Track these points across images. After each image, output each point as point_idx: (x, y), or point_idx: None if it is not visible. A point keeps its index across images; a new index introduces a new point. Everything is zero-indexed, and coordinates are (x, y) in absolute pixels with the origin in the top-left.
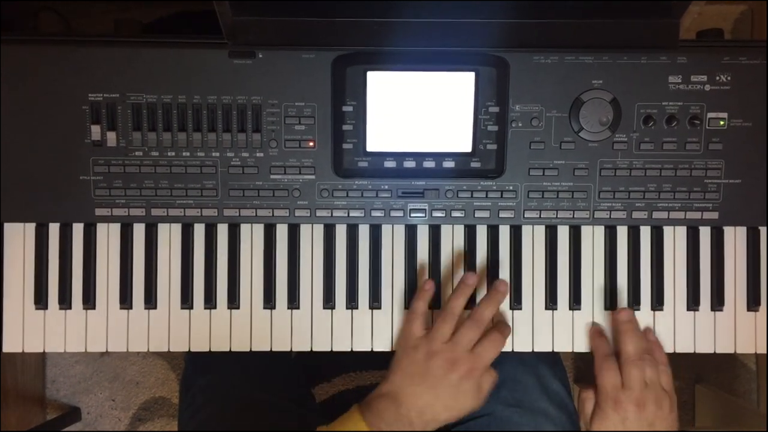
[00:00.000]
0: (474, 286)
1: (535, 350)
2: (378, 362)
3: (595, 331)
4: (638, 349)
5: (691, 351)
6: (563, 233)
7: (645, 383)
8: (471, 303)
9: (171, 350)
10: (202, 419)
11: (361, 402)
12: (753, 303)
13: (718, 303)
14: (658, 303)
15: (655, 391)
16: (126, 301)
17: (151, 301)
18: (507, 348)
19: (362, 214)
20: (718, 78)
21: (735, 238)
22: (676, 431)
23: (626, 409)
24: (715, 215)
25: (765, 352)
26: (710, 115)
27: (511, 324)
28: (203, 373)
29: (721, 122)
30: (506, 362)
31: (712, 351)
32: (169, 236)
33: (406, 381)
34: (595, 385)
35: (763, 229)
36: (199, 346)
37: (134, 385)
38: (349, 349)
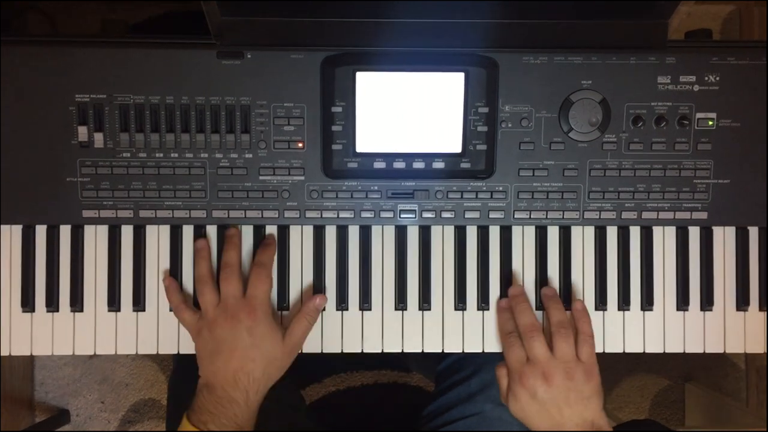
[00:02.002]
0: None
1: None
2: (368, 363)
3: (501, 307)
4: (528, 322)
5: (681, 351)
6: (553, 234)
7: (551, 356)
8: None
9: (160, 352)
10: None
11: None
12: (742, 303)
13: (707, 303)
14: (647, 303)
15: (564, 363)
16: (114, 304)
17: (139, 304)
18: (497, 349)
19: (352, 215)
20: (706, 78)
21: (724, 238)
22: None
23: (533, 383)
24: (704, 215)
25: (761, 351)
26: (699, 115)
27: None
28: (190, 376)
29: (710, 122)
30: (494, 362)
31: (701, 351)
32: (158, 238)
33: (207, 362)
34: None
35: (752, 230)
36: (188, 348)
37: (123, 386)
38: (340, 351)
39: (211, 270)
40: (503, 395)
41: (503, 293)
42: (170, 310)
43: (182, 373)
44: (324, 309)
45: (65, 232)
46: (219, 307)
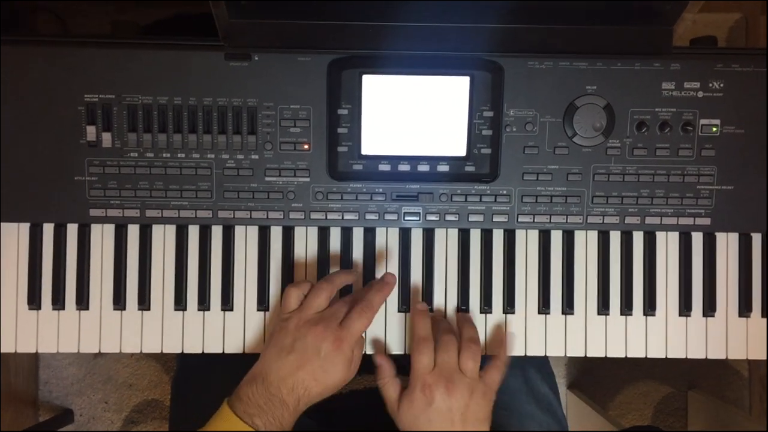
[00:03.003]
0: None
1: (528, 354)
2: (371, 366)
3: (420, 310)
4: (447, 329)
5: (683, 356)
6: (556, 238)
7: (457, 368)
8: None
9: (164, 351)
10: (194, 421)
11: (231, 394)
12: (744, 309)
13: (710, 309)
14: (650, 308)
15: (468, 378)
16: (119, 302)
17: (144, 303)
18: (491, 352)
19: (356, 217)
20: (711, 85)
21: (727, 244)
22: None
23: (433, 391)
24: (707, 221)
25: (763, 358)
26: (703, 121)
27: (504, 328)
28: (193, 377)
29: (714, 129)
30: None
31: (703, 357)
32: (164, 237)
33: (276, 357)
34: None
35: (755, 236)
36: (193, 347)
37: (127, 387)
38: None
39: (336, 288)
40: (393, 402)
41: (506, 296)
42: (175, 309)
43: (185, 374)
44: None
45: (72, 230)
46: (319, 314)
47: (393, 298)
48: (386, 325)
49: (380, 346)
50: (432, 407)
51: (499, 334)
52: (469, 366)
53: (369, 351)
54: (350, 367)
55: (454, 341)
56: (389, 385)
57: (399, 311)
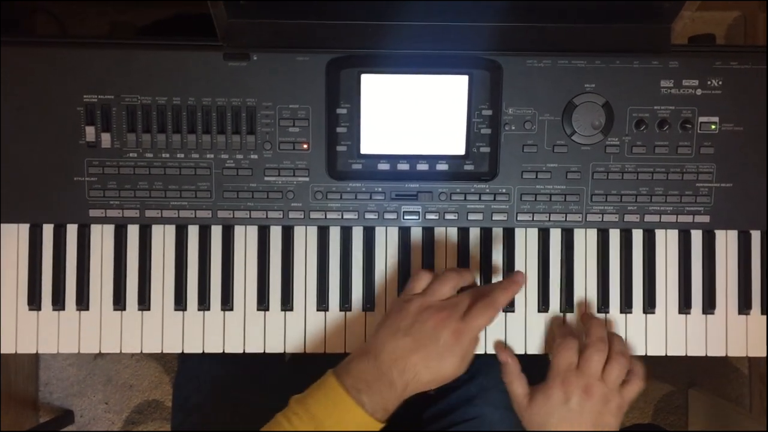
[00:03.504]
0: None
1: (528, 353)
2: None
3: (559, 320)
4: (602, 336)
5: (683, 354)
6: (556, 236)
7: (600, 376)
8: None
9: (164, 352)
10: (195, 422)
11: (336, 366)
12: (744, 306)
13: (709, 306)
14: (650, 306)
15: (608, 388)
16: (119, 303)
17: (144, 303)
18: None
19: (356, 217)
20: (709, 82)
21: (726, 241)
22: None
23: (572, 391)
24: (706, 219)
25: (763, 355)
26: (702, 119)
27: (503, 327)
28: (194, 377)
29: (713, 126)
30: (494, 365)
31: (703, 354)
32: (163, 238)
33: (390, 336)
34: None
35: (754, 233)
36: (193, 347)
37: (127, 388)
38: (343, 351)
39: (462, 278)
40: (520, 398)
41: None
42: (175, 309)
43: (186, 374)
44: (327, 309)
45: (72, 231)
46: (443, 302)
47: (393, 296)
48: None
49: (501, 343)
50: (567, 406)
51: (626, 347)
52: (613, 376)
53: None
54: (463, 361)
55: (605, 349)
56: (516, 382)
57: None
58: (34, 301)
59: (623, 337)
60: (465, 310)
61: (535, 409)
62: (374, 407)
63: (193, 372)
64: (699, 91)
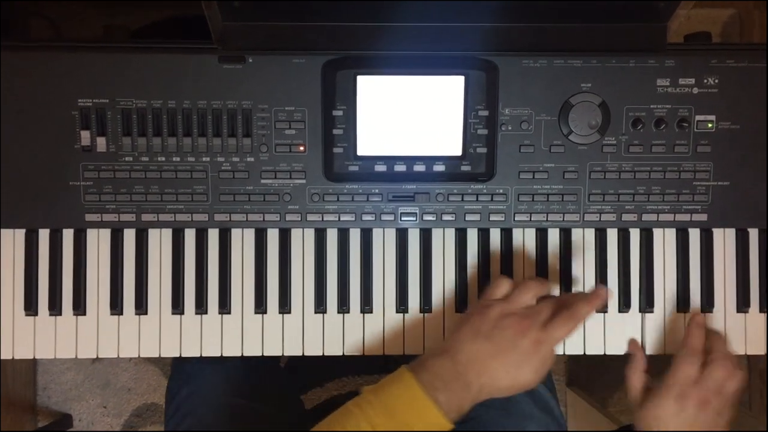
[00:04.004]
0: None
1: None
2: (370, 367)
3: (697, 323)
4: (727, 352)
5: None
6: (553, 236)
7: (719, 390)
8: None
9: (162, 356)
10: (189, 425)
11: (410, 363)
12: (742, 304)
13: (707, 305)
14: (648, 305)
15: (724, 401)
16: (116, 307)
17: (141, 307)
18: None
19: (353, 218)
20: (705, 81)
21: (724, 239)
22: None
23: (689, 404)
24: (704, 217)
25: (762, 353)
26: (698, 117)
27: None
28: (187, 381)
29: (709, 125)
30: None
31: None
32: (160, 242)
33: (470, 339)
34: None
35: (752, 231)
36: (190, 351)
37: (126, 391)
38: (341, 354)
39: (542, 287)
40: (635, 392)
41: None
42: (173, 313)
43: (180, 376)
44: (325, 312)
45: (68, 235)
46: (525, 309)
47: (391, 298)
48: (384, 327)
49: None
50: (680, 417)
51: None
52: (731, 390)
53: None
54: (540, 372)
55: (728, 366)
56: (636, 376)
57: (397, 312)
58: (30, 307)
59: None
60: (546, 319)
61: (648, 411)
62: (449, 407)
63: (187, 375)
64: (695, 90)
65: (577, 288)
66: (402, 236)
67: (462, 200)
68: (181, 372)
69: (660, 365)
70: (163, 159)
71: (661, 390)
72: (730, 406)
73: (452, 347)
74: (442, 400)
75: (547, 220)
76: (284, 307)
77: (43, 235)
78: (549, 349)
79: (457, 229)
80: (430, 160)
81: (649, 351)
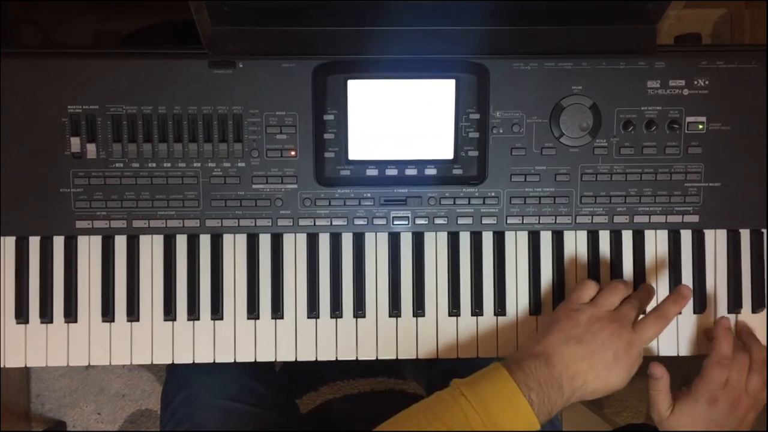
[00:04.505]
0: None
1: None
2: (364, 371)
3: (725, 327)
4: (762, 358)
5: (675, 354)
6: (546, 238)
7: (744, 388)
8: None
9: (154, 363)
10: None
11: (502, 361)
12: (734, 305)
13: (699, 306)
14: None
15: (751, 402)
16: (108, 314)
17: (133, 314)
18: (491, 354)
19: (345, 223)
20: (696, 82)
21: (716, 240)
22: None
23: (721, 408)
24: (695, 218)
25: None
26: (689, 119)
27: (494, 330)
28: (183, 386)
29: (700, 126)
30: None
31: (696, 353)
32: (151, 248)
33: (562, 343)
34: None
35: (743, 232)
36: (183, 357)
37: (120, 397)
38: (334, 359)
39: (628, 289)
40: (661, 414)
41: (497, 299)
42: (165, 320)
43: (176, 382)
44: (318, 317)
45: (59, 243)
46: (613, 313)
47: (384, 302)
48: (377, 332)
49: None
50: (711, 419)
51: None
52: (757, 388)
53: None
54: (629, 373)
55: (747, 361)
56: (662, 397)
57: (390, 316)
58: (21, 315)
59: None
60: (632, 319)
61: (678, 420)
62: (540, 408)
63: (183, 380)
64: (686, 91)
65: (570, 293)
66: (394, 240)
67: (454, 204)
68: (177, 377)
69: (668, 366)
70: (154, 165)
71: (691, 397)
72: (759, 402)
73: (545, 351)
74: (535, 400)
75: (539, 222)
76: (277, 312)
77: (34, 242)
78: (639, 350)
79: (449, 233)
80: (421, 164)
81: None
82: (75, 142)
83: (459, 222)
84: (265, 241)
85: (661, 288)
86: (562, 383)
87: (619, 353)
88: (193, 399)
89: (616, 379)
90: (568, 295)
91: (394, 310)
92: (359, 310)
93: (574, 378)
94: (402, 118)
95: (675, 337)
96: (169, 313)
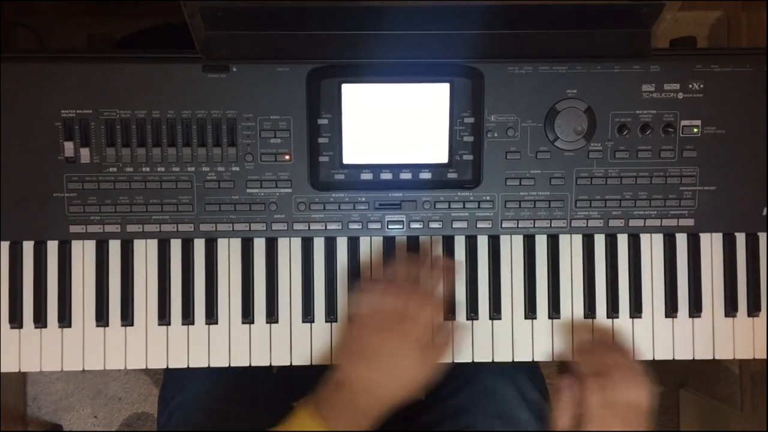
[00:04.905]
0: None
1: (515, 360)
2: None
3: (581, 350)
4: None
5: (670, 358)
6: (541, 242)
7: (627, 400)
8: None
9: (149, 367)
10: None
11: (305, 400)
12: (730, 309)
13: (695, 309)
14: (636, 310)
15: (636, 407)
16: (102, 319)
17: (127, 318)
18: (487, 359)
19: (340, 227)
20: (690, 86)
21: (711, 244)
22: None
23: (609, 425)
24: (690, 222)
25: (750, 357)
26: (684, 122)
27: (490, 334)
28: (180, 390)
29: (695, 130)
30: (484, 372)
31: (690, 357)
32: (145, 252)
33: (348, 362)
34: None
35: (738, 236)
36: (178, 362)
37: (116, 401)
38: (329, 363)
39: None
40: (567, 425)
41: (492, 303)
42: (159, 324)
43: (174, 384)
44: (313, 321)
45: (52, 247)
46: (383, 315)
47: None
48: None
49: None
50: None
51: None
52: (634, 397)
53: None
54: (426, 359)
55: (628, 380)
56: (566, 415)
57: None
58: (15, 319)
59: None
60: (404, 311)
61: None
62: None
63: (180, 383)
64: (680, 95)
65: (565, 296)
66: (389, 244)
67: (449, 207)
68: (174, 380)
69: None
70: (148, 169)
71: (585, 421)
72: (646, 412)
73: (338, 377)
74: (341, 426)
75: (534, 226)
76: (271, 316)
77: (28, 247)
78: (419, 337)
79: (444, 237)
80: (416, 168)
81: (638, 357)
82: (69, 147)
83: (454, 226)
84: (259, 246)
85: (657, 293)
86: (363, 402)
87: (399, 350)
88: (190, 402)
89: (414, 372)
90: (559, 300)
91: None
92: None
93: (372, 392)
94: (396, 122)
95: (671, 341)
96: (164, 317)
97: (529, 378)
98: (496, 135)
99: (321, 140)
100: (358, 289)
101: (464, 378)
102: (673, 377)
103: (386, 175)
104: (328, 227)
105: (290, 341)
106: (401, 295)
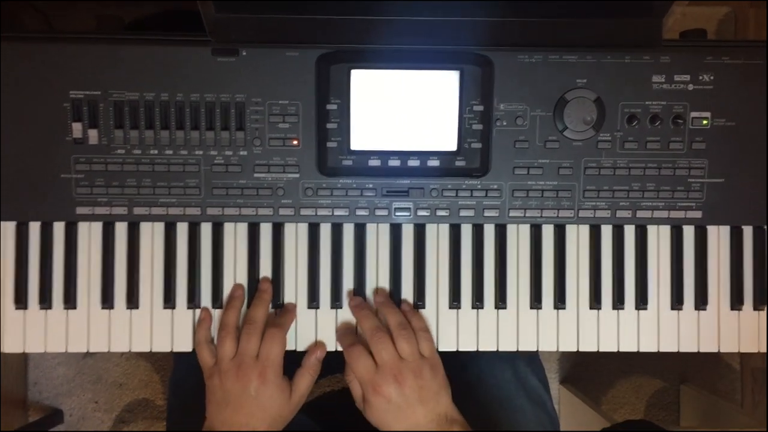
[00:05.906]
0: (242, 299)
1: (520, 350)
2: None
3: (340, 327)
4: (373, 326)
5: (675, 350)
6: (548, 232)
7: (398, 358)
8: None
9: (153, 350)
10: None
11: None
12: (736, 302)
13: (701, 302)
14: (642, 302)
15: (411, 362)
16: (108, 301)
17: (133, 301)
18: (491, 347)
19: (347, 213)
20: (701, 78)
21: (718, 237)
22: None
23: (386, 389)
24: (698, 214)
25: (755, 351)
26: (693, 114)
27: (495, 323)
28: (192, 372)
29: (704, 121)
30: (483, 358)
31: (696, 350)
32: (152, 235)
33: (216, 413)
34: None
35: (746, 229)
36: (183, 346)
37: (117, 386)
38: (334, 350)
39: (237, 321)
40: (359, 403)
41: (497, 291)
42: (164, 307)
43: (183, 371)
44: (318, 307)
45: (59, 228)
46: (234, 360)
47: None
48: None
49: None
50: (391, 404)
51: (405, 307)
52: (406, 350)
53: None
54: (288, 392)
55: (384, 335)
56: (353, 383)
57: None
58: (21, 300)
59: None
60: (255, 352)
61: (369, 416)
62: None
63: (190, 368)
64: (690, 86)
65: (570, 285)
66: (396, 231)
67: (456, 196)
68: (184, 364)
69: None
70: (156, 152)
71: (365, 396)
72: (422, 360)
73: (209, 422)
74: None
75: (541, 216)
76: (276, 301)
77: (34, 227)
78: (275, 372)
79: (451, 225)
80: (424, 155)
81: (643, 348)
82: (77, 128)
83: (461, 214)
84: (266, 230)
85: (663, 284)
86: None
87: (258, 389)
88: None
89: (279, 409)
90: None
91: (394, 300)
92: None
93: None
94: (405, 108)
95: (676, 334)
96: (169, 300)
97: (529, 364)
98: (505, 123)
99: (329, 126)
100: (205, 345)
101: (462, 364)
102: (674, 373)
103: (394, 162)
104: (335, 213)
105: (295, 327)
106: (252, 334)
